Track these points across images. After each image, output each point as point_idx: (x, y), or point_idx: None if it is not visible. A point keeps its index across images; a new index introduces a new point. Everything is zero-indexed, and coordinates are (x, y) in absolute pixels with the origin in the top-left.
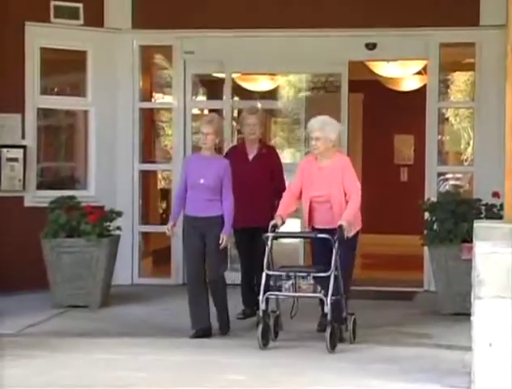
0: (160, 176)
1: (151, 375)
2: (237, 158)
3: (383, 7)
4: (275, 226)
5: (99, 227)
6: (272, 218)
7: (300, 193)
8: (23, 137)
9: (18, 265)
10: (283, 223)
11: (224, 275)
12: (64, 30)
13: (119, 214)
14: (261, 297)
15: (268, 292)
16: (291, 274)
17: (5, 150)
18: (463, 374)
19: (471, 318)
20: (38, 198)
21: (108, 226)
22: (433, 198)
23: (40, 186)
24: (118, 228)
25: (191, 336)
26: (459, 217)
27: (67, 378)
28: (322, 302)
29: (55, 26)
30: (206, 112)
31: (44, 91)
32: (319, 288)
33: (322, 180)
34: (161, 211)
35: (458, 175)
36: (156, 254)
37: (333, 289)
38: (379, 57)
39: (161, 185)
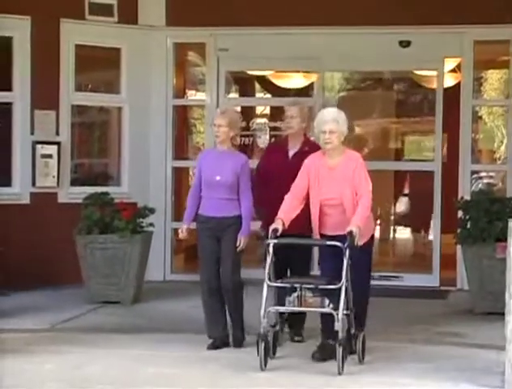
0: (191, 172)
1: (183, 371)
2: (276, 153)
3: (417, 4)
4: (276, 231)
5: (132, 223)
6: (310, 224)
7: (306, 195)
8: (58, 133)
9: (52, 261)
10: (285, 228)
11: (240, 281)
12: (98, 27)
13: (152, 210)
14: (262, 312)
15: (270, 307)
16: (296, 285)
17: (39, 146)
18: (497, 374)
19: (505, 317)
20: (72, 194)
21: (141, 222)
22: (467, 197)
23: (73, 183)
24: (151, 224)
25: (208, 347)
26: (493, 216)
27: (100, 373)
28: (323, 318)
29: (90, 23)
30: (238, 109)
31: (79, 88)
32: (327, 301)
33: (333, 180)
34: None
35: (492, 173)
36: (188, 251)
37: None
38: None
39: (193, 181)
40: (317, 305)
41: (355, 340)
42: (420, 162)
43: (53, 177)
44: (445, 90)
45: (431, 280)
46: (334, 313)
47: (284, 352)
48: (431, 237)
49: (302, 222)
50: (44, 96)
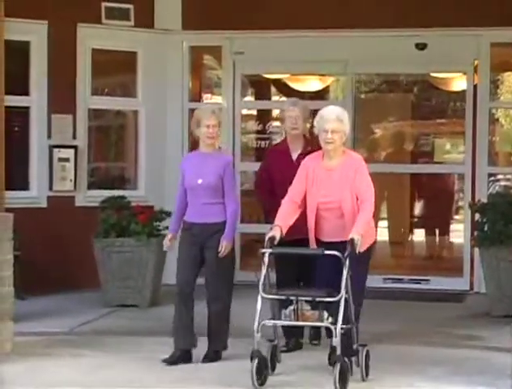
0: None
1: (198, 375)
2: (279, 158)
3: (433, 7)
4: (273, 239)
5: (148, 227)
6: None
7: (304, 198)
8: (75, 137)
9: (69, 264)
10: (283, 235)
11: (228, 297)
12: (115, 31)
13: (168, 214)
14: (256, 326)
15: (265, 320)
16: (292, 298)
17: (56, 150)
18: None
19: None
20: (89, 197)
21: (158, 226)
22: (484, 200)
23: (90, 186)
24: (167, 228)
25: (166, 360)
26: (510, 218)
27: (117, 376)
28: (329, 332)
29: (106, 27)
30: (254, 112)
31: (95, 91)
32: (326, 315)
33: (332, 183)
34: None
35: (509, 176)
36: None
37: (343, 317)
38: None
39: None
40: (315, 318)
41: (357, 356)
42: (449, 165)
43: (70, 180)
44: (460, 93)
45: (461, 284)
46: (332, 327)
47: (283, 368)
48: (460, 239)
49: (302, 226)
50: (61, 100)
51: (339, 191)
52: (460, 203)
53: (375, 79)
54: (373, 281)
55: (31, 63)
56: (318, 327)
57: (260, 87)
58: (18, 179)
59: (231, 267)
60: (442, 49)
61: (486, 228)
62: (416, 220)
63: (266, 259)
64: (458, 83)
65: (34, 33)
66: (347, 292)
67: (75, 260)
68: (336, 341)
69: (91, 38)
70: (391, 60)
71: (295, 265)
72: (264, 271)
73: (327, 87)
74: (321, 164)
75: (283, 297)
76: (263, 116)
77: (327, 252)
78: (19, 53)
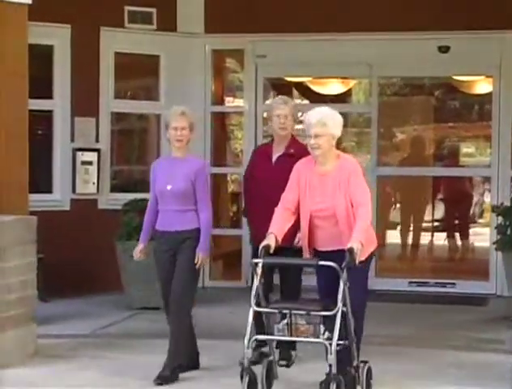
0: (229, 179)
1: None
2: (259, 159)
3: (457, 10)
4: (268, 248)
5: None
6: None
7: (298, 206)
8: (97, 140)
9: (92, 267)
10: (278, 244)
11: (189, 305)
12: (138, 35)
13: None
14: (246, 341)
15: (256, 335)
16: (285, 311)
17: (79, 153)
18: None
19: None
20: (111, 200)
21: None
22: (506, 203)
23: (113, 189)
24: None
25: (155, 380)
26: None
27: (140, 378)
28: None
29: (129, 31)
30: None
31: (118, 95)
32: (322, 329)
33: (325, 189)
34: (232, 215)
35: None
36: (227, 257)
37: (340, 332)
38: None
39: (232, 188)
40: (311, 333)
41: (358, 374)
42: (474, 168)
43: (93, 183)
44: (483, 96)
45: (487, 287)
46: (327, 343)
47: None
48: (486, 243)
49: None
50: (84, 103)
51: (332, 198)
52: (485, 207)
53: (398, 82)
54: (398, 284)
55: (54, 67)
56: (289, 346)
57: (281, 90)
58: (41, 182)
59: (197, 273)
60: (465, 52)
61: (509, 232)
62: (440, 223)
63: (259, 270)
64: (482, 85)
65: (57, 37)
66: (345, 305)
67: (98, 263)
68: (331, 359)
69: (114, 42)
70: (414, 63)
71: (270, 274)
72: (256, 282)
73: (349, 90)
74: (313, 170)
75: (275, 311)
76: None
77: (322, 263)
78: (42, 56)
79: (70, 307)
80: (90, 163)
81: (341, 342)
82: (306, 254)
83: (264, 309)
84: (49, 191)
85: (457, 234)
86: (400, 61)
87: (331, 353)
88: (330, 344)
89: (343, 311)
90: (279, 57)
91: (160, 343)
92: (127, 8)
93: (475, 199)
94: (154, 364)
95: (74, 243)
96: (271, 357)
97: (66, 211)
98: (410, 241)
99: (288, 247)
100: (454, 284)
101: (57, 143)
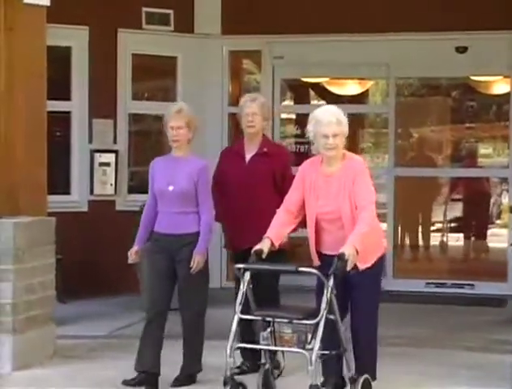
0: None
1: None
2: (231, 160)
3: (474, 10)
4: (259, 253)
5: None
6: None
7: (302, 207)
8: (115, 142)
9: (109, 268)
10: (274, 248)
11: (203, 314)
12: (155, 36)
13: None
14: (228, 349)
15: (238, 344)
16: (268, 319)
17: (97, 155)
18: None
19: None
20: (129, 202)
21: None
22: None
23: (131, 190)
24: None
25: (124, 382)
26: None
27: None
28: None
29: (146, 32)
30: (293, 116)
31: (136, 96)
32: (308, 338)
33: (331, 191)
34: None
35: None
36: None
37: (328, 341)
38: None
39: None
40: (294, 342)
41: (354, 386)
42: (492, 169)
43: (111, 185)
44: (501, 96)
45: (505, 288)
46: (307, 353)
47: None
48: (504, 244)
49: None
50: (102, 104)
51: (337, 200)
52: (503, 208)
53: (415, 83)
54: (415, 285)
55: (72, 68)
56: (268, 373)
57: (298, 91)
58: (59, 183)
59: (204, 280)
60: (483, 53)
61: None
62: (458, 223)
63: (246, 276)
64: (499, 86)
65: (75, 39)
66: (333, 314)
67: (116, 264)
68: (311, 370)
69: (131, 43)
70: (432, 63)
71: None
72: (242, 288)
73: (366, 90)
74: (319, 170)
75: (259, 318)
76: (302, 120)
77: (302, 269)
78: (60, 58)
79: (87, 308)
80: (108, 164)
81: (326, 352)
82: (315, 259)
83: (248, 316)
84: (67, 192)
85: (474, 235)
86: (417, 61)
87: (311, 364)
88: (310, 355)
89: (331, 320)
90: (296, 58)
91: (176, 343)
92: (145, 9)
93: (492, 200)
94: (171, 365)
95: (91, 244)
96: (267, 366)
97: (84, 212)
98: (427, 241)
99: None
100: (471, 285)
101: (75, 145)
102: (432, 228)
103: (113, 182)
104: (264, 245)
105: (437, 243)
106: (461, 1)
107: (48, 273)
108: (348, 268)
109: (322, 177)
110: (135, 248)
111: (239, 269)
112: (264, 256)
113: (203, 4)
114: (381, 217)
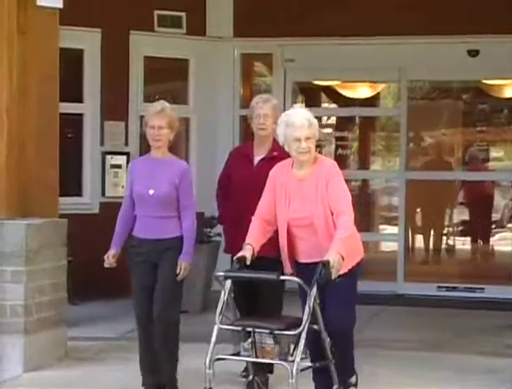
0: None
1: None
2: (238, 161)
3: (486, 14)
4: (242, 260)
5: (199, 233)
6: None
7: (275, 215)
8: (127, 144)
9: (120, 270)
10: (254, 256)
11: (177, 318)
12: (167, 39)
13: (219, 220)
14: (207, 361)
15: (218, 355)
16: (248, 329)
17: (109, 157)
18: None
19: None
20: None
21: (209, 232)
22: None
23: None
24: (219, 234)
25: None
26: None
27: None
28: (313, 369)
29: (159, 35)
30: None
31: (147, 98)
32: (290, 350)
33: (302, 195)
34: None
35: None
36: None
37: (313, 353)
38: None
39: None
40: (275, 354)
41: None
42: (505, 172)
43: (122, 187)
44: (510, 100)
45: None
46: (288, 366)
47: None
48: None
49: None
50: (114, 107)
51: (309, 205)
52: None
53: (427, 86)
54: (427, 289)
55: (84, 71)
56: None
57: (310, 94)
58: (71, 185)
59: (180, 289)
60: (495, 56)
61: None
62: (469, 227)
63: (227, 285)
64: (511, 89)
65: (87, 41)
66: (316, 323)
67: (126, 266)
68: (291, 383)
69: (143, 46)
70: (443, 67)
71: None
72: (223, 297)
73: (378, 94)
74: (290, 174)
75: (239, 328)
76: None
77: (283, 277)
78: (72, 60)
79: (98, 310)
80: (119, 166)
81: (310, 364)
82: (287, 266)
83: (229, 326)
84: (79, 194)
85: (485, 239)
86: (429, 65)
87: (291, 377)
88: (291, 367)
89: (314, 330)
90: (307, 61)
91: (186, 346)
92: (157, 12)
93: (503, 203)
94: (181, 367)
95: (103, 246)
96: (250, 377)
97: (96, 214)
98: (438, 245)
99: (272, 258)
100: (482, 289)
101: (87, 147)
102: (443, 231)
103: (125, 184)
104: (247, 252)
105: (448, 247)
106: (473, 4)
107: (59, 275)
108: (333, 276)
109: (294, 181)
110: (112, 251)
111: (219, 277)
112: (248, 262)
113: (215, 7)
114: (393, 220)
